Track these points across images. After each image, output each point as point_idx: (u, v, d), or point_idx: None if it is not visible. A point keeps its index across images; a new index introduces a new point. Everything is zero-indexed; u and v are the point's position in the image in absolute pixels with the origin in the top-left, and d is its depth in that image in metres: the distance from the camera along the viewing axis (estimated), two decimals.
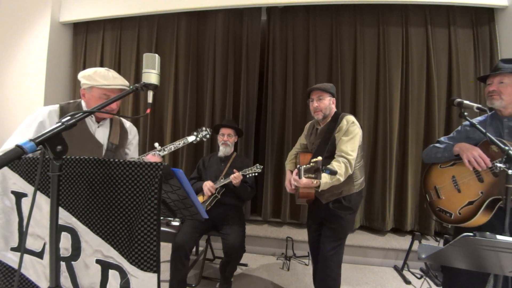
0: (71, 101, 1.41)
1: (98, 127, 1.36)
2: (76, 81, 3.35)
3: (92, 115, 1.32)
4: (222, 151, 2.18)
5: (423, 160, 1.61)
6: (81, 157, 0.88)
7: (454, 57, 2.70)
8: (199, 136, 1.77)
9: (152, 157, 1.46)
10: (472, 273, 1.24)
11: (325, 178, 1.32)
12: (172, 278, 1.80)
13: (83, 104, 1.34)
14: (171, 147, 1.57)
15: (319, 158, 1.18)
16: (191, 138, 1.70)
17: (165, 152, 1.53)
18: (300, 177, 1.22)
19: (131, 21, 3.22)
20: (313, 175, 1.18)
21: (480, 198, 1.27)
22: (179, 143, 1.60)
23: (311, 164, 1.19)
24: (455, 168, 1.42)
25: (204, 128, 1.81)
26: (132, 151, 1.55)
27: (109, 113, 1.34)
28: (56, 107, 1.30)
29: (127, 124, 1.52)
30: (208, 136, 1.80)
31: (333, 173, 1.23)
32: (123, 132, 1.46)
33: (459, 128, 1.51)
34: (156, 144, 1.56)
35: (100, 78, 1.27)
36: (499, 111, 1.34)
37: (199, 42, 3.14)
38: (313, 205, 1.73)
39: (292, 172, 1.77)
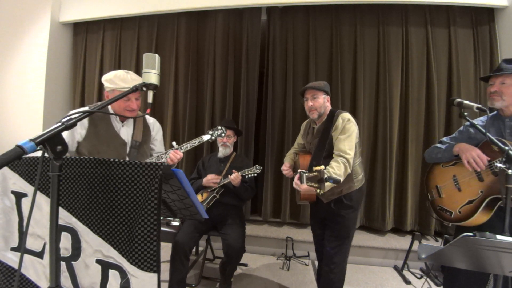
0: (99, 103, 1.45)
1: (122, 126, 1.46)
2: (76, 82, 3.36)
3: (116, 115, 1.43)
4: (222, 152, 2.18)
5: (425, 160, 1.62)
6: (81, 157, 0.88)
7: (454, 57, 2.70)
8: (214, 135, 1.80)
9: (173, 153, 1.50)
10: (471, 272, 1.24)
11: (327, 186, 1.30)
12: (171, 278, 1.80)
13: (109, 106, 1.42)
14: (187, 145, 1.61)
15: (322, 167, 1.16)
16: (206, 137, 1.72)
17: (182, 151, 1.57)
18: (301, 182, 1.21)
19: (131, 21, 3.22)
20: (316, 185, 1.17)
21: (479, 197, 1.28)
22: (195, 142, 1.64)
23: (314, 173, 1.18)
24: (456, 167, 1.42)
25: (219, 127, 1.83)
26: (158, 147, 1.64)
27: (114, 114, 1.41)
28: (85, 109, 1.36)
29: (150, 120, 1.61)
30: (223, 135, 1.83)
31: (336, 182, 1.22)
32: (146, 129, 1.55)
33: (461, 128, 1.52)
34: (174, 143, 1.60)
35: (120, 81, 1.36)
36: (501, 111, 1.34)
37: (199, 42, 3.14)
38: (315, 205, 1.72)
39: (289, 164, 1.78)
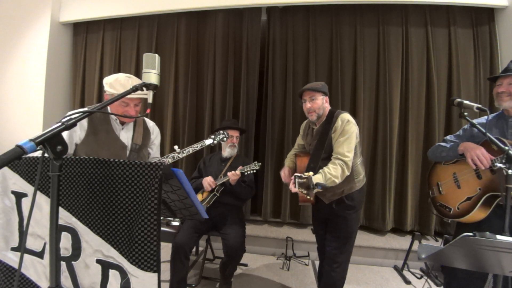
0: (97, 104, 1.46)
1: (122, 129, 1.44)
2: (76, 82, 3.36)
3: (116, 118, 1.41)
4: (229, 152, 2.17)
5: (429, 158, 1.62)
6: (81, 157, 0.88)
7: (454, 57, 2.70)
8: (216, 139, 1.80)
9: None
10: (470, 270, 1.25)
11: (316, 191, 1.32)
12: (172, 278, 1.80)
13: (108, 107, 1.40)
14: (189, 149, 1.61)
15: (311, 173, 1.20)
16: (208, 141, 1.73)
17: (184, 155, 1.58)
18: (295, 186, 1.24)
19: (131, 21, 3.22)
20: (305, 192, 1.20)
21: (477, 194, 1.31)
22: (197, 146, 1.65)
23: (303, 179, 1.21)
24: (456, 165, 1.46)
25: (221, 132, 1.85)
26: (154, 151, 1.62)
27: (115, 115, 1.40)
28: (84, 110, 1.37)
29: (150, 123, 1.60)
30: (225, 139, 1.84)
31: (325, 187, 1.27)
32: (146, 132, 1.54)
33: (465, 126, 1.53)
34: (176, 147, 1.61)
35: (120, 86, 1.33)
36: (505, 111, 1.36)
37: (199, 42, 3.14)
38: (316, 206, 1.72)
39: (289, 169, 1.79)
